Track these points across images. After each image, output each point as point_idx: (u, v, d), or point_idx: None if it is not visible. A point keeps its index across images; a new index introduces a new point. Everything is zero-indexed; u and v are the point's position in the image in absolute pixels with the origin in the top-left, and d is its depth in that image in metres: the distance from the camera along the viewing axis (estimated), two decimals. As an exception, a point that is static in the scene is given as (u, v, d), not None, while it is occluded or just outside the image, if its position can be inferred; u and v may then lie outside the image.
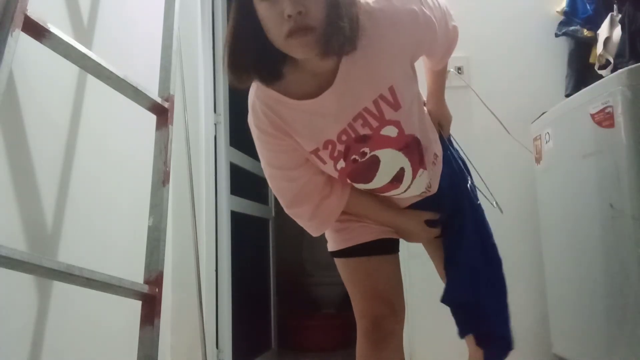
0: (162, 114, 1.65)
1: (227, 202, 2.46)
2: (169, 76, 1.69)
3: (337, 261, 1.32)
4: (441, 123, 1.37)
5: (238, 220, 2.55)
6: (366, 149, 1.12)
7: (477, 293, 1.25)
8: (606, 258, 1.66)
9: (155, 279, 1.45)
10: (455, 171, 1.33)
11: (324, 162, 1.15)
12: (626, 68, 1.61)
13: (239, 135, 2.65)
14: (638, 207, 1.51)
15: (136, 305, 1.44)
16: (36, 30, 1.22)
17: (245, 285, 2.63)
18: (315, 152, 1.13)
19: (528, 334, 2.20)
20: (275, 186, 1.21)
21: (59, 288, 1.41)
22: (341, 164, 1.14)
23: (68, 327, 1.48)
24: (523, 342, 2.14)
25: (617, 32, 1.93)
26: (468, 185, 1.33)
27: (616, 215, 1.59)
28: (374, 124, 1.10)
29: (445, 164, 1.31)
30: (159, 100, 1.62)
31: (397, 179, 1.18)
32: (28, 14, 1.18)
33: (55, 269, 1.14)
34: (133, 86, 1.50)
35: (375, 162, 1.14)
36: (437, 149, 1.28)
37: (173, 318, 2.19)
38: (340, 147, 1.12)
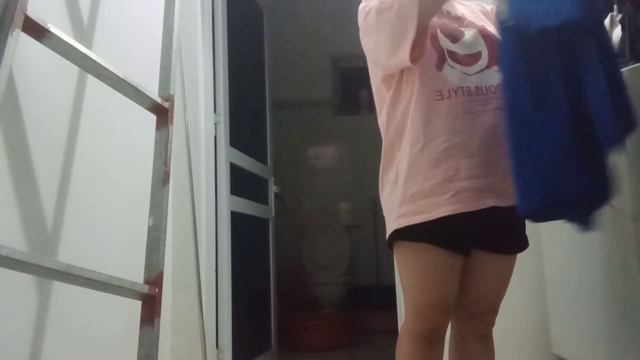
0: (162, 114, 1.65)
1: (227, 202, 2.46)
2: (169, 76, 1.69)
3: (411, 254, 1.35)
4: None
5: (238, 220, 2.55)
6: (455, 25, 1.44)
7: None
8: (606, 258, 1.66)
9: (155, 279, 1.45)
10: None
11: None
12: (626, 68, 1.61)
13: (239, 135, 2.65)
14: (638, 207, 1.51)
15: (136, 305, 1.44)
16: (36, 30, 1.22)
17: (245, 285, 2.63)
18: None
19: (528, 334, 2.20)
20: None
21: (59, 288, 1.41)
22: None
23: (68, 327, 1.48)
24: (523, 342, 2.17)
25: (617, 32, 1.93)
26: None
27: (616, 215, 1.58)
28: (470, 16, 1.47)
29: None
30: (159, 100, 1.62)
31: (475, 57, 1.40)
32: (28, 14, 1.18)
33: (55, 269, 1.14)
34: (133, 86, 1.50)
35: (460, 33, 1.41)
36: None
37: (173, 318, 2.19)
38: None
